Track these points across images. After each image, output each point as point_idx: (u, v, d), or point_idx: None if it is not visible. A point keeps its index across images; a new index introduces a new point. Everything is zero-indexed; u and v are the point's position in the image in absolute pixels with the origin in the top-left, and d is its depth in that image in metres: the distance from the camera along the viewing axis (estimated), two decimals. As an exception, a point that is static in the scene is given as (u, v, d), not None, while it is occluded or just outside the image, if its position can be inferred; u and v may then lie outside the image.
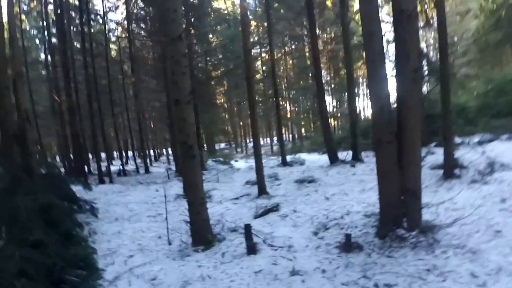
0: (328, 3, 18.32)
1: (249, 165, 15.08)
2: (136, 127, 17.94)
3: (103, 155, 17.88)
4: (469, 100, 14.88)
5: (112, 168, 19.55)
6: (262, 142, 39.53)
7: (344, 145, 14.76)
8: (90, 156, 19.77)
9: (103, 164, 13.90)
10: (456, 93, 12.39)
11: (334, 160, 9.86)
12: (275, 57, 23.76)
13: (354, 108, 10.70)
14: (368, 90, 3.87)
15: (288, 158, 14.28)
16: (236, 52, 21.99)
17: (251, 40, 24.21)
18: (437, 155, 7.68)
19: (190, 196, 3.35)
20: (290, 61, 25.44)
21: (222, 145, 36.80)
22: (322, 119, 10.68)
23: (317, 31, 17.05)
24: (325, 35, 22.66)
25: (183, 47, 3.40)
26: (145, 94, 19.48)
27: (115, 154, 28.45)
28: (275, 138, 29.90)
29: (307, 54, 21.98)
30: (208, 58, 19.66)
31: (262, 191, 7.02)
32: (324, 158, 13.86)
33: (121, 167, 16.47)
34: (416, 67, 3.60)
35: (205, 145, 38.16)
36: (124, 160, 20.06)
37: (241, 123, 33.92)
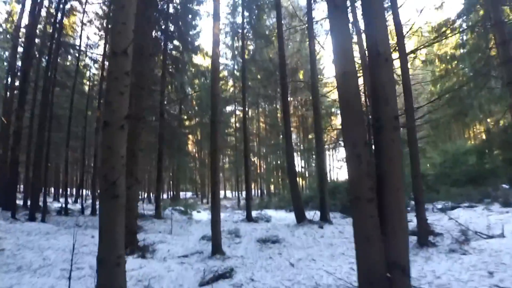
0: (300, 75, 19.71)
1: (210, 218, 13.77)
2: (91, 163, 16.29)
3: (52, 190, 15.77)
4: (427, 169, 15.52)
5: (56, 205, 17.05)
6: (230, 195, 37.98)
7: (312, 204, 14.19)
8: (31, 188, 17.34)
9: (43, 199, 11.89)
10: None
11: (301, 219, 9.08)
12: (249, 115, 24.40)
13: (323, 167, 10.42)
14: (342, 137, 3.26)
15: (254, 213, 13.27)
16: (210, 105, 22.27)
17: (226, 95, 24.93)
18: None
19: (102, 250, 2.33)
20: (263, 120, 26.11)
21: (189, 194, 34.80)
22: (290, 176, 10.20)
23: (289, 97, 17.91)
24: (296, 102, 23.89)
25: (127, 63, 2.79)
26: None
27: (65, 190, 25.56)
28: (243, 192, 28.89)
29: (279, 114, 22.71)
30: (182, 107, 19.53)
31: (217, 250, 5.92)
32: (291, 217, 13.01)
33: (64, 205, 14.38)
34: (396, 114, 3.20)
35: (170, 192, 36.04)
36: (72, 197, 17.70)
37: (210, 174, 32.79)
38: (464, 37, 13.24)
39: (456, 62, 12.94)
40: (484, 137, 18.20)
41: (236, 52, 18.10)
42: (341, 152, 26.23)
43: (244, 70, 14.11)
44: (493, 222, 7.43)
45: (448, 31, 11.38)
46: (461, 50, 13.02)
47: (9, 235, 7.93)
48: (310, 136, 22.38)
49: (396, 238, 2.86)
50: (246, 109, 15.00)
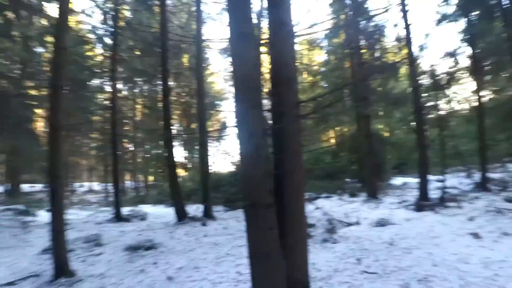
0: (184, 60, 18.41)
1: (66, 218, 10.89)
2: None
3: None
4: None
5: None
6: (98, 188, 32.25)
7: (195, 198, 13.45)
8: None
9: None
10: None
11: (182, 216, 8.13)
12: (121, 93, 20.95)
13: (206, 160, 9.79)
14: (236, 126, 2.56)
15: (127, 210, 11.34)
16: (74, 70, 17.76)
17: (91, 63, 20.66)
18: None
19: None
20: (140, 101, 23.11)
21: (39, 186, 27.22)
22: (169, 168, 9.04)
23: (171, 80, 16.35)
24: (179, 88, 22.36)
25: None
26: None
27: None
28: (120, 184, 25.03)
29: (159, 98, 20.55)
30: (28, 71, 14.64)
31: (63, 270, 4.31)
32: (171, 212, 11.84)
33: None
34: (299, 100, 2.80)
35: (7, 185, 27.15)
36: None
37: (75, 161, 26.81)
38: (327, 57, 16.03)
39: (320, 76, 15.32)
40: (336, 141, 22.20)
41: (108, 16, 14.87)
42: (226, 143, 26.50)
43: (116, 37, 11.61)
44: (349, 210, 8.77)
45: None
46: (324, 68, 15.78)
47: None
48: (193, 126, 21.36)
49: (297, 251, 2.46)
50: (116, 84, 12.52)
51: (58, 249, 4.33)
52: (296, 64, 2.80)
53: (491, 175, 11.64)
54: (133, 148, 25.98)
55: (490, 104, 12.64)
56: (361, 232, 6.05)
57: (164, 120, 8.95)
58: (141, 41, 11.96)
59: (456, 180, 12.92)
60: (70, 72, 15.11)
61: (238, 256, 4.95)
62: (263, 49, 8.54)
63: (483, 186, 10.36)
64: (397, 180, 17.00)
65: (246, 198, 2.44)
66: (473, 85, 14.12)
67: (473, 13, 11.07)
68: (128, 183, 28.82)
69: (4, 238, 7.54)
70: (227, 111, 24.34)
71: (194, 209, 9.27)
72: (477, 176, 12.00)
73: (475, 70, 11.65)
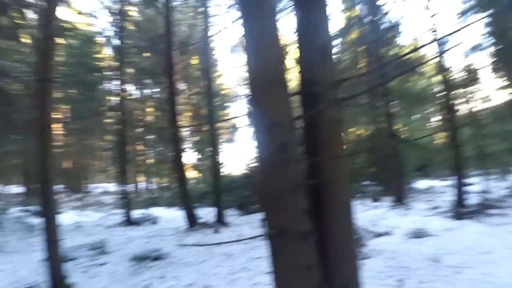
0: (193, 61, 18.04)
1: (80, 220, 10.63)
2: None
3: None
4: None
5: None
6: (113, 189, 32.44)
7: (207, 200, 12.93)
8: None
9: None
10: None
11: (193, 223, 7.57)
12: (130, 94, 20.73)
13: (219, 162, 9.18)
14: (251, 114, 1.86)
15: (138, 213, 10.97)
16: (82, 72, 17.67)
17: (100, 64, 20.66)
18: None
19: None
20: (149, 103, 22.94)
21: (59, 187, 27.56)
22: (178, 171, 8.49)
23: (180, 81, 15.98)
24: (188, 88, 22.00)
25: None
26: None
27: None
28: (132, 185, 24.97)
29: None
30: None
31: (59, 284, 3.84)
32: (183, 216, 11.41)
33: None
34: (337, 79, 2.08)
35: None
36: None
37: (89, 163, 26.98)
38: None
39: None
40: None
41: (115, 17, 14.78)
42: (238, 143, 25.98)
43: (123, 37, 11.34)
44: (375, 218, 7.99)
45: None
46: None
47: None
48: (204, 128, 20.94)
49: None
50: (124, 85, 12.23)
51: (53, 261, 3.85)
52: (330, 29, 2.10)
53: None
54: (144, 150, 25.88)
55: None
56: (396, 245, 5.29)
57: (170, 117, 8.43)
58: (147, 41, 11.59)
59: (488, 184, 11.84)
60: (79, 74, 15.09)
61: (255, 272, 4.34)
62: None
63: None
64: (421, 183, 15.94)
65: (270, 222, 1.68)
66: (503, 80, 13.01)
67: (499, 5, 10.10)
68: (141, 184, 28.80)
69: (13, 242, 7.26)
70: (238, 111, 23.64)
71: (206, 213, 8.73)
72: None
73: (506, 64, 10.62)
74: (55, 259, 3.85)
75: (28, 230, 8.08)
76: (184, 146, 20.17)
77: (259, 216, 8.60)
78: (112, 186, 34.03)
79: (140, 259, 4.97)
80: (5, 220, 9.13)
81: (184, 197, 7.97)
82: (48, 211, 3.88)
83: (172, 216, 11.05)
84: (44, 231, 3.88)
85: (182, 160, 8.51)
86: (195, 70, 17.02)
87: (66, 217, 11.36)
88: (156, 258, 5.10)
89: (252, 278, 4.14)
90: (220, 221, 7.52)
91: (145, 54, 13.34)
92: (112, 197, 24.32)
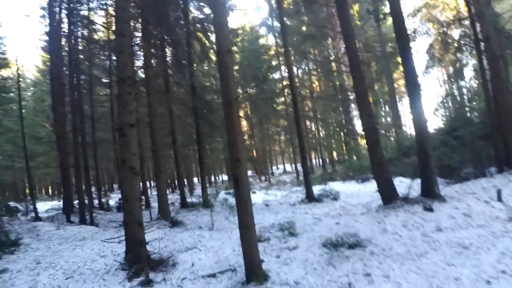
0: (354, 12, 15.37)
1: (267, 200, 11.51)
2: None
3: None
4: None
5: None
6: (290, 169, 35.47)
7: (393, 169, 10.70)
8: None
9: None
10: None
11: (390, 198, 5.82)
12: (297, 74, 20.74)
13: (421, 116, 6.51)
14: None
15: (317, 189, 10.55)
16: (254, 69, 19.42)
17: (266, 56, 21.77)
18: None
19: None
20: (314, 73, 22.09)
21: (249, 172, 33.32)
22: (369, 134, 6.55)
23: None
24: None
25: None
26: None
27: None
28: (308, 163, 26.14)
29: (334, 64, 18.53)
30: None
31: (253, 273, 3.47)
32: (367, 190, 9.91)
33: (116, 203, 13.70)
34: None
35: (223, 175, 35.20)
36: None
37: (268, 148, 30.67)
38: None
39: None
40: None
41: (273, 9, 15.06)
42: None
43: (284, 22, 11.05)
44: None
45: None
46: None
47: (41, 244, 6.91)
48: (376, 87, 17.95)
49: None
50: (291, 67, 12.06)
51: (247, 248, 3.53)
52: None
53: None
54: (314, 126, 25.97)
55: None
56: None
57: (353, 73, 6.82)
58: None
59: None
60: (251, 69, 16.52)
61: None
62: None
63: None
64: None
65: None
66: None
67: None
68: (314, 161, 29.44)
69: (220, 221, 8.39)
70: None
71: (404, 186, 6.77)
72: None
73: None
74: (250, 244, 3.52)
75: (232, 210, 9.21)
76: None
77: (479, 184, 5.66)
78: (290, 166, 37.10)
79: (334, 245, 4.04)
80: (216, 202, 11.02)
81: (377, 168, 6.37)
82: (241, 193, 3.56)
83: (354, 191, 9.88)
84: (238, 215, 3.61)
85: (373, 122, 6.68)
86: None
87: (257, 197, 12.68)
88: (353, 245, 4.01)
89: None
90: (430, 195, 5.39)
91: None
92: (291, 176, 26.27)
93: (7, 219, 8.66)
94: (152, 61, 11.83)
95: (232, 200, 11.82)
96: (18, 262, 5.35)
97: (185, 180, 20.29)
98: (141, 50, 11.10)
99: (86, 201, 10.63)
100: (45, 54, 15.54)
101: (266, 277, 3.54)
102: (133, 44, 10.35)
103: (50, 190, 33.66)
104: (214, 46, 15.14)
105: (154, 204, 12.03)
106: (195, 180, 28.30)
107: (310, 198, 9.54)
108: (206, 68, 18.93)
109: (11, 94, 16.46)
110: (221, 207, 9.95)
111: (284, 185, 18.46)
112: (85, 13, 12.57)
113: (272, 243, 4.99)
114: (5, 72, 17.01)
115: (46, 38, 12.62)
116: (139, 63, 12.51)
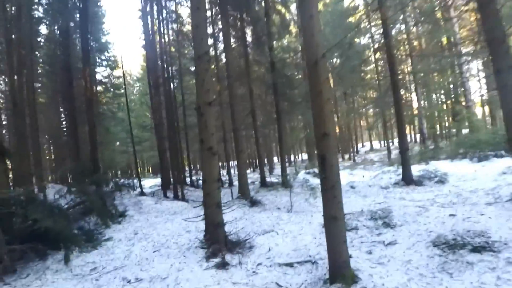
0: None
1: (352, 180, 10.44)
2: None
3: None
4: None
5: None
6: (377, 146, 32.06)
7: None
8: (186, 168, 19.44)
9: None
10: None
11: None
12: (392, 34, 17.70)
13: None
14: None
15: (416, 170, 8.88)
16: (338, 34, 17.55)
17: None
18: None
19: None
20: (416, 41, 18.49)
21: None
22: (506, 93, 4.60)
23: None
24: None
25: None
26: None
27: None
28: (395, 141, 22.94)
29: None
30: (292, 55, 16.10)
31: (338, 273, 2.85)
32: (487, 172, 7.77)
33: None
34: None
35: (303, 154, 34.30)
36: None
37: (353, 124, 28.35)
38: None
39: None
40: None
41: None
42: None
43: None
44: None
45: None
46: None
47: (142, 216, 7.91)
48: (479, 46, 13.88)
49: None
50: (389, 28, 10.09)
51: (333, 243, 2.91)
52: None
53: None
54: (410, 96, 22.42)
55: None
56: None
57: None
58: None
59: None
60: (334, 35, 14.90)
61: None
62: None
63: None
64: None
65: None
66: None
67: None
68: (408, 136, 25.61)
69: (299, 203, 7.88)
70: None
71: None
72: None
73: None
74: (337, 239, 2.88)
75: (313, 192, 8.59)
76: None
77: None
78: (378, 143, 33.56)
79: (450, 246, 3.04)
80: (295, 183, 10.55)
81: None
82: (328, 175, 2.89)
83: (467, 173, 7.87)
84: (324, 205, 2.99)
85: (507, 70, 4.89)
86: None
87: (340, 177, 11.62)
88: (479, 248, 2.93)
89: None
90: None
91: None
92: (380, 154, 23.59)
93: (120, 194, 10.20)
94: (232, 41, 11.87)
95: (312, 181, 11.18)
96: (122, 231, 6.09)
97: (265, 159, 20.54)
98: (221, 31, 11.17)
99: (180, 179, 11.73)
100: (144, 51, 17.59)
101: (354, 278, 2.88)
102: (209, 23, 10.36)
103: (154, 170, 39.54)
104: (295, 17, 14.16)
105: (237, 182, 12.42)
106: (275, 159, 28.52)
107: (407, 180, 8.06)
108: (285, 42, 18.08)
109: (122, 90, 19.32)
110: (301, 188, 9.45)
111: (372, 165, 16.63)
112: (173, 8, 13.42)
113: (361, 233, 4.22)
114: (116, 73, 20.20)
115: (143, 36, 14.04)
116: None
